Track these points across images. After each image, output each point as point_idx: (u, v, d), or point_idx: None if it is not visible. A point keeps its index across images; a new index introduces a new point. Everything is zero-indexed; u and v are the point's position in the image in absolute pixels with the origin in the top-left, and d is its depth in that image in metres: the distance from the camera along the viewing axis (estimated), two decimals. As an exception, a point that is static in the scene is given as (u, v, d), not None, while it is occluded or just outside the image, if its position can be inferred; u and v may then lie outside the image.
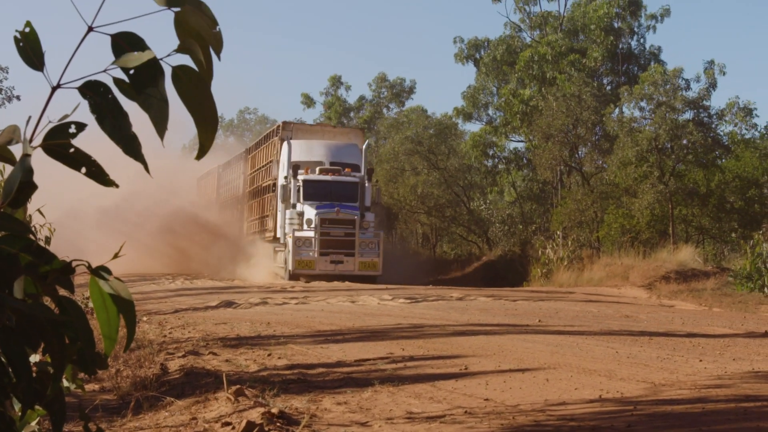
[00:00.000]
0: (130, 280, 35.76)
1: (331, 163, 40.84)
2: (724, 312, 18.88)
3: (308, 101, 78.12)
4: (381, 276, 38.70)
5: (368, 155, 44.13)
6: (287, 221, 39.13)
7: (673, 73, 41.90)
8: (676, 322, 15.57)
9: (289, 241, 38.39)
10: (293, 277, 38.01)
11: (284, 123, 44.20)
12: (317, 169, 39.80)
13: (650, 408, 7.58)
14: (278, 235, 41.15)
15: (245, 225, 51.30)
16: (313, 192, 38.97)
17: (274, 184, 43.05)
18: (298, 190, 39.10)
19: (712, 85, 41.95)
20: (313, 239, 38.09)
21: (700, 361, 10.36)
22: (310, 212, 38.45)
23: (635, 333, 13.64)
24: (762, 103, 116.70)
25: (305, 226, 38.37)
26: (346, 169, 39.99)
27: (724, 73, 44.07)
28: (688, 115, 40.87)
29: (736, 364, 10.13)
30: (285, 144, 41.47)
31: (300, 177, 39.24)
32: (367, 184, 39.74)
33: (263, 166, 46.90)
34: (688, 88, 41.95)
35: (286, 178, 39.90)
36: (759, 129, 46.30)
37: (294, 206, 39.11)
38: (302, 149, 41.63)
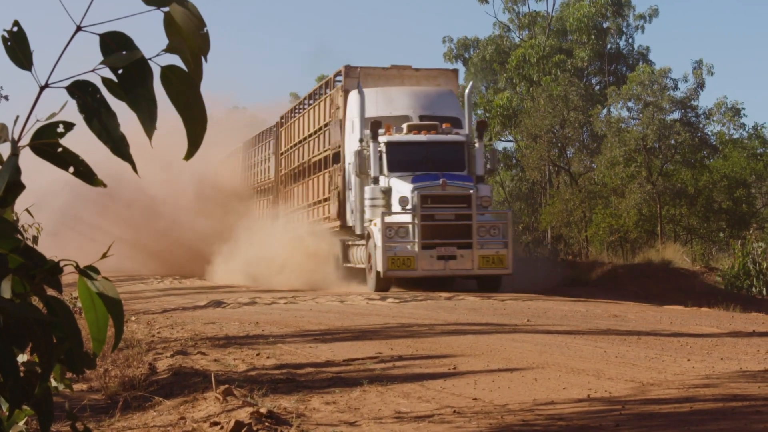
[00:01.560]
0: (118, 280, 35.67)
1: (421, 118, 30.13)
2: (711, 311, 18.93)
3: (296, 101, 77.95)
4: (511, 275, 27.74)
5: (472, 103, 32.14)
6: (367, 202, 28.41)
7: (661, 73, 41.98)
8: (664, 322, 15.60)
9: (374, 230, 27.36)
10: (383, 282, 27.21)
11: (347, 68, 32.44)
12: (404, 126, 28.90)
13: (638, 407, 7.60)
14: (351, 223, 30.34)
15: (284, 217, 39.31)
16: (401, 159, 28.29)
17: (337, 155, 32.08)
18: (380, 158, 28.17)
19: (700, 85, 42.03)
20: (410, 226, 26.90)
21: (688, 360, 10.38)
22: (403, 187, 27.41)
23: (623, 332, 13.67)
24: (750, 103, 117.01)
25: (396, 207, 27.32)
26: (444, 125, 29.05)
27: (712, 73, 44.15)
28: (675, 115, 40.96)
29: (724, 363, 10.16)
30: (353, 96, 30.49)
31: (382, 139, 28.29)
32: (477, 144, 28.56)
33: (312, 135, 35.89)
34: (675, 88, 42.04)
35: (362, 141, 28.79)
36: (747, 129, 46.40)
37: (376, 180, 28.20)
38: (378, 101, 30.77)
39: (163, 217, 47.50)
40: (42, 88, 2.37)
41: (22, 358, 2.66)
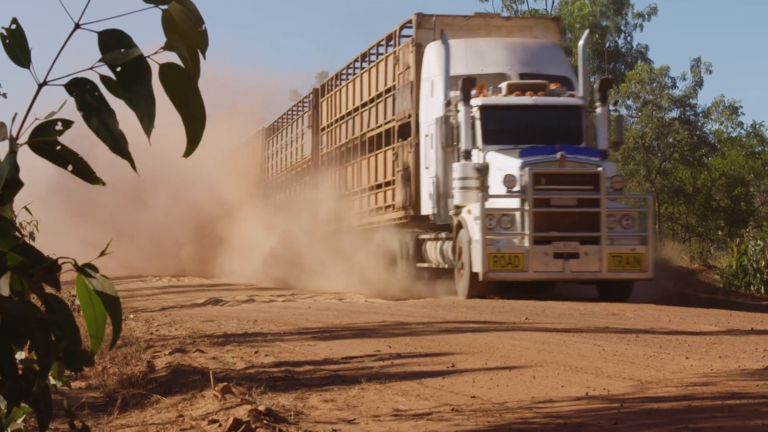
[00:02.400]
0: (116, 278, 35.62)
1: (522, 76, 23.79)
2: (710, 310, 18.93)
3: (297, 98, 77.96)
4: (651, 280, 21.64)
5: (588, 58, 24.87)
6: (456, 183, 22.32)
7: (660, 72, 42.01)
8: (662, 320, 15.60)
9: (468, 218, 21.40)
10: (480, 286, 21.26)
11: (420, 16, 25.62)
12: (502, 86, 22.73)
13: (636, 405, 7.60)
14: (427, 212, 24.34)
15: (325, 207, 32.74)
16: (501, 128, 22.32)
17: (406, 126, 25.87)
18: (472, 126, 22.17)
19: (699, 83, 42.08)
20: (518, 213, 21.07)
21: (687, 358, 10.39)
22: (507, 163, 21.43)
23: (622, 330, 13.68)
24: (748, 102, 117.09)
25: (497, 189, 21.31)
26: (552, 85, 23.00)
27: (710, 72, 44.21)
28: (674, 113, 41.01)
29: (722, 361, 10.16)
30: (433, 49, 24.28)
31: (475, 102, 22.26)
32: (599, 109, 22.84)
33: (367, 104, 29.46)
34: (674, 86, 42.09)
35: (448, 105, 22.71)
36: (745, 127, 46.47)
37: (467, 155, 22.20)
38: (464, 56, 24.22)
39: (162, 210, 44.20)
40: (40, 86, 2.37)
41: (20, 355, 2.66)
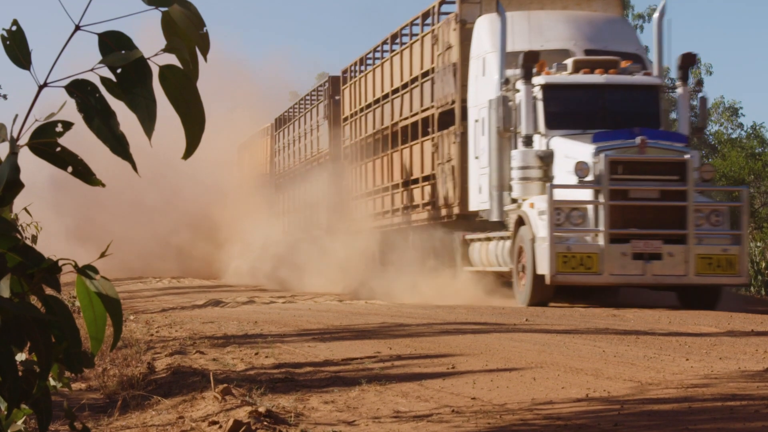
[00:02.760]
0: (116, 279, 35.62)
1: (587, 52, 21.21)
2: (710, 311, 18.91)
3: (296, 99, 77.88)
4: (745, 286, 20.07)
5: (663, 33, 21.23)
6: (516, 173, 19.74)
7: (660, 73, 42.03)
8: (662, 321, 15.60)
9: (531, 213, 18.96)
10: (545, 291, 18.86)
11: None
12: (567, 63, 20.24)
13: (637, 407, 7.60)
14: (477, 208, 21.74)
15: (348, 204, 30.35)
16: (567, 110, 19.89)
17: (448, 114, 23.32)
18: (534, 108, 19.70)
19: (699, 84, 42.06)
20: (590, 207, 18.61)
21: (687, 360, 10.38)
22: (578, 149, 19.00)
23: (622, 332, 13.67)
24: (748, 103, 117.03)
25: (565, 179, 18.88)
26: (623, 63, 20.37)
27: (710, 73, 44.24)
28: (673, 114, 40.96)
29: (723, 363, 10.16)
30: (485, 23, 21.69)
31: (538, 80, 19.81)
32: (680, 89, 20.89)
33: (399, 91, 26.67)
34: (674, 88, 42.08)
35: (506, 84, 20.14)
36: (745, 128, 46.47)
37: (528, 141, 19.71)
38: (521, 30, 21.27)
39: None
40: (41, 88, 2.37)
41: (20, 357, 2.66)
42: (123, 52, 2.35)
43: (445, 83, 23.29)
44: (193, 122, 2.42)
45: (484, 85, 21.33)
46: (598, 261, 18.23)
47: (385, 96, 27.88)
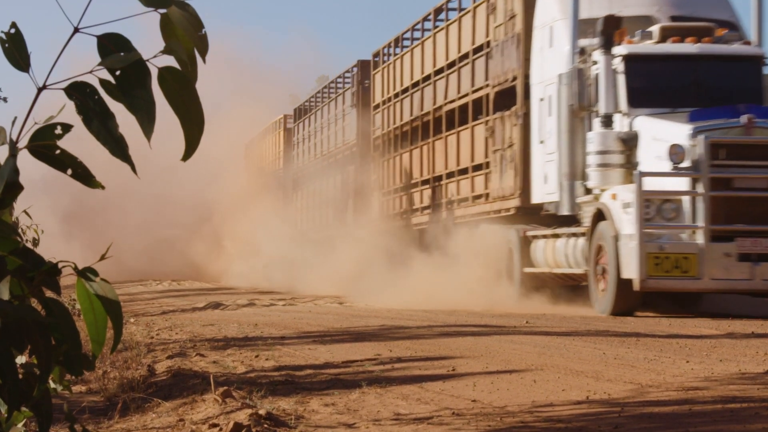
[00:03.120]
0: (117, 282, 35.60)
1: (674, 19, 18.39)
2: (710, 313, 18.90)
3: (296, 102, 77.84)
4: None
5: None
6: (593, 159, 17.15)
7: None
8: (663, 323, 15.59)
9: (615, 206, 16.31)
10: (632, 298, 16.33)
11: None
12: (653, 30, 17.60)
13: (637, 409, 7.60)
14: (539, 200, 19.33)
15: (381, 200, 27.61)
16: (653, 85, 17.32)
17: (506, 93, 20.79)
18: (614, 83, 17.07)
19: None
20: (687, 198, 16.10)
21: (687, 362, 10.38)
22: (669, 130, 16.47)
23: (622, 334, 13.67)
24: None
25: (649, 165, 16.40)
26: (718, 30, 17.78)
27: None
28: None
29: (723, 365, 10.16)
30: None
31: (619, 50, 17.19)
32: None
33: (444, 70, 24.09)
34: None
35: (582, 54, 17.60)
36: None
37: (608, 121, 17.04)
38: None
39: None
40: (40, 90, 2.37)
41: (20, 359, 2.66)
42: (122, 54, 2.35)
43: (505, 57, 20.64)
44: (192, 124, 2.42)
45: (551, 58, 18.69)
46: (697, 263, 15.65)
47: (426, 78, 25.19)
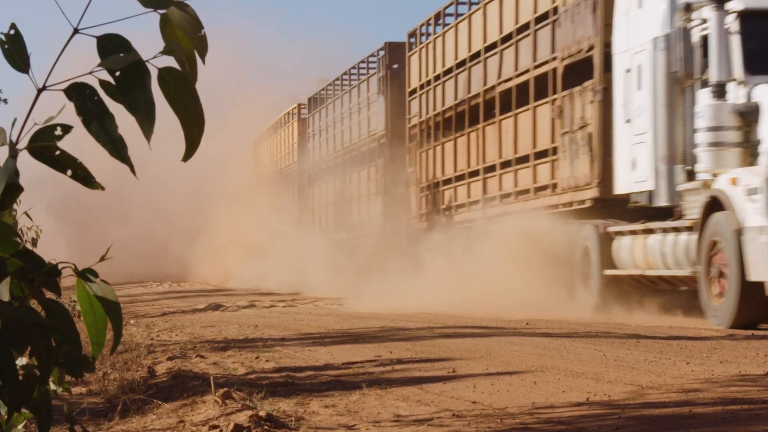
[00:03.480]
0: (117, 283, 35.58)
1: None
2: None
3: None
4: None
5: None
6: (703, 136, 14.33)
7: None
8: (663, 325, 15.59)
9: (735, 193, 13.55)
10: (759, 308, 13.76)
11: None
12: None
13: (637, 411, 7.60)
14: (624, 190, 16.53)
15: (420, 195, 24.63)
16: None
17: (573, 66, 18.30)
18: (727, 46, 14.09)
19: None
20: None
21: (687, 363, 10.38)
22: None
23: (622, 336, 13.67)
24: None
25: None
26: None
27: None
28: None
29: (723, 366, 10.15)
30: None
31: (734, 5, 14.31)
32: None
33: (498, 45, 21.16)
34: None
35: (687, 10, 14.70)
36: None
37: (720, 91, 13.95)
38: None
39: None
40: (39, 91, 2.37)
41: (20, 361, 2.66)
42: (121, 54, 2.35)
43: (578, 24, 17.75)
44: (193, 124, 2.42)
45: (641, 21, 15.82)
46: None
47: (475, 56, 22.19)
